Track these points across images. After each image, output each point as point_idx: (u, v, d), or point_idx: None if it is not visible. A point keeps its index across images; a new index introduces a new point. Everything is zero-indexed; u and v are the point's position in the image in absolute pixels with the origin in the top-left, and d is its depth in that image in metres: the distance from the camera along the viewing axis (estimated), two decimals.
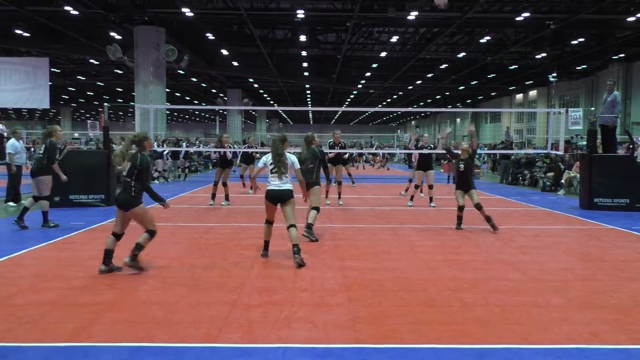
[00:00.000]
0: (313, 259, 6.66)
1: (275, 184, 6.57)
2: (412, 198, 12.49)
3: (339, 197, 12.60)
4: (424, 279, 5.79)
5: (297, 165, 6.88)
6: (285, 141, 6.86)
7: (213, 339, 3.98)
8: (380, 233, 8.67)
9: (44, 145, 8.86)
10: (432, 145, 13.07)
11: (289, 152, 7.01)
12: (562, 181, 15.89)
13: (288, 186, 6.58)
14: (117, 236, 6.03)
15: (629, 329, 4.29)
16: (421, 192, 13.49)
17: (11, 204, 11.56)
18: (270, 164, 6.67)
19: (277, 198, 6.56)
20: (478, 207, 8.85)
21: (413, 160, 14.18)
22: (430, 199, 12.25)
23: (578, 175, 14.08)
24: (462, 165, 9.04)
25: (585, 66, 34.49)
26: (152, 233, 6.03)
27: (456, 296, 5.13)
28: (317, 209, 8.09)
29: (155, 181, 18.59)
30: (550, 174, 17.05)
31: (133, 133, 7.03)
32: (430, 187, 12.37)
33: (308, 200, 7.76)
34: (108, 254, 5.92)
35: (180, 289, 5.29)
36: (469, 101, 57.87)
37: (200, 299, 4.98)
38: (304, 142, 8.39)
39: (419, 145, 12.65)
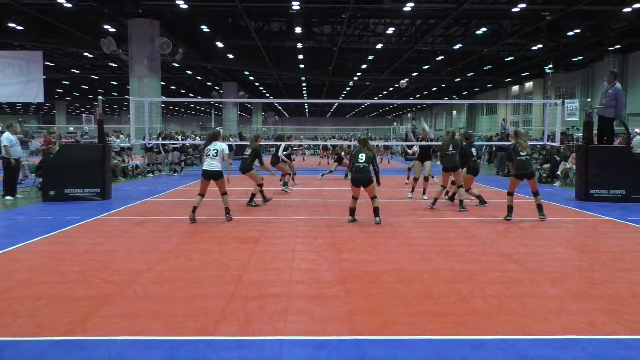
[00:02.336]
0: (309, 251, 6.65)
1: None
2: (412, 190, 12.49)
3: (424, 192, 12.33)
4: (420, 270, 5.79)
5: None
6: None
7: (210, 331, 3.96)
8: (376, 225, 8.66)
9: None
10: (431, 137, 13.33)
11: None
12: (558, 172, 15.91)
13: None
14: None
15: (625, 319, 4.30)
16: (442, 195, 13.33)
17: (8, 197, 11.54)
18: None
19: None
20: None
21: (410, 152, 14.29)
22: (424, 191, 12.23)
23: (574, 167, 14.09)
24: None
25: (581, 57, 34.47)
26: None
27: (453, 288, 5.14)
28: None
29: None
30: (547, 166, 17.08)
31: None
32: (426, 179, 12.41)
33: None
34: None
35: (176, 282, 5.28)
36: (465, 93, 57.84)
37: (196, 292, 4.96)
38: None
39: (420, 138, 12.88)
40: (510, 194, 9.29)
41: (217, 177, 8.94)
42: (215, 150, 8.93)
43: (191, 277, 5.47)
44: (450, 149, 10.50)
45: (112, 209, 10.34)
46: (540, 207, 9.24)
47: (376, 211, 8.79)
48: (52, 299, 4.72)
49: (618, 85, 12.30)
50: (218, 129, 9.09)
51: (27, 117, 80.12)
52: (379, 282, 5.31)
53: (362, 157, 8.69)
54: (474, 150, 11.23)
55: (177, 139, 21.65)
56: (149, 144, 18.51)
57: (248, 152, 10.95)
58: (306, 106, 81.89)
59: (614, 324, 4.20)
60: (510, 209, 9.21)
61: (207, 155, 8.99)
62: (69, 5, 21.34)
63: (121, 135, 23.31)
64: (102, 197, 11.57)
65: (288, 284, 5.22)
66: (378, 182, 10.01)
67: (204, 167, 8.96)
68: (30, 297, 4.77)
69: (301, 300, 4.72)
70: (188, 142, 22.79)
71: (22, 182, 14.37)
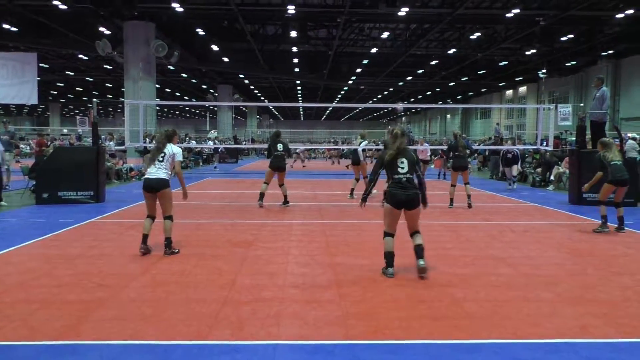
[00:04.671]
0: (303, 255, 6.65)
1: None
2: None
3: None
4: (414, 274, 5.78)
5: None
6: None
7: (203, 336, 3.95)
8: (370, 229, 8.66)
9: None
10: (427, 143, 13.53)
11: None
12: (552, 177, 15.98)
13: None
14: None
15: (618, 322, 4.32)
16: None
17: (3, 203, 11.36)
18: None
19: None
20: None
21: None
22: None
23: (567, 171, 14.16)
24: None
25: (574, 62, 34.69)
26: None
27: (447, 292, 5.14)
28: None
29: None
30: (540, 170, 17.15)
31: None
32: None
33: None
34: None
35: (169, 286, 5.26)
36: (459, 97, 58.05)
37: (190, 296, 4.95)
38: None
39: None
40: (604, 203, 8.58)
41: (160, 187, 6.64)
42: (163, 155, 6.76)
43: (184, 281, 5.45)
44: (460, 149, 11.25)
45: (106, 212, 10.30)
46: (621, 220, 8.60)
47: (421, 251, 5.73)
48: (45, 303, 4.69)
49: (604, 88, 12.77)
50: (172, 128, 7.14)
51: (20, 118, 79.87)
52: (373, 287, 5.31)
53: (403, 164, 5.74)
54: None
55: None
56: (148, 147, 18.40)
57: (280, 147, 11.15)
58: (301, 109, 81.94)
59: (607, 327, 4.22)
60: (605, 219, 8.50)
61: (152, 161, 6.80)
62: (64, 6, 21.31)
63: (110, 142, 23.18)
64: (96, 200, 11.52)
65: (282, 288, 5.22)
66: (424, 203, 5.87)
67: (146, 176, 6.79)
68: (23, 301, 4.74)
69: (295, 305, 4.71)
70: (182, 145, 22.76)
71: (7, 187, 14.05)
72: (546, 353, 3.72)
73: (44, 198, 11.24)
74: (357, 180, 12.77)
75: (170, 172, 6.74)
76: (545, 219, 10.00)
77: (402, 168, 5.70)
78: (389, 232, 5.81)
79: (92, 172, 11.61)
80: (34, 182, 12.16)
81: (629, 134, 18.94)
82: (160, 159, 6.70)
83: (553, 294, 5.10)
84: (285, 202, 11.30)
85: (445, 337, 3.99)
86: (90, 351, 3.68)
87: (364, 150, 13.22)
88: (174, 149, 6.80)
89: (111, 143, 21.38)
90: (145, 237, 6.65)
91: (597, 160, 8.82)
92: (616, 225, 8.59)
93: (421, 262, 5.64)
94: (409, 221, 5.84)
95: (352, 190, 12.70)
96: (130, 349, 3.72)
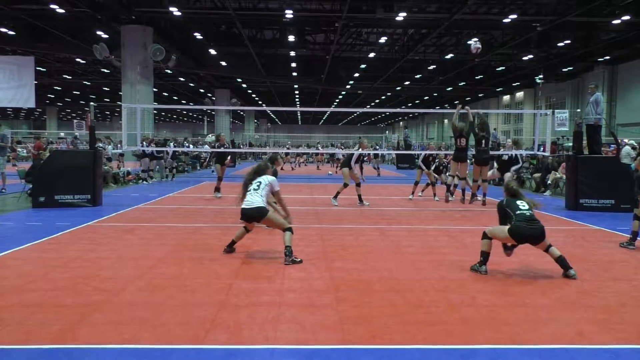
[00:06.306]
0: (300, 261, 6.65)
1: None
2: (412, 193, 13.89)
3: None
4: (411, 279, 5.80)
5: None
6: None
7: (200, 340, 3.95)
8: (368, 233, 8.67)
9: None
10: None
11: None
12: (549, 182, 16.02)
13: None
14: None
15: (614, 328, 4.33)
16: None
17: None
18: None
19: None
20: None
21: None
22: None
23: (564, 176, 14.19)
24: None
25: (571, 68, 34.84)
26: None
27: (443, 296, 5.15)
28: None
29: (144, 182, 18.46)
30: (537, 175, 17.19)
31: None
32: (416, 183, 13.83)
33: None
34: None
35: (167, 290, 5.25)
36: (456, 102, 58.18)
37: (187, 300, 4.94)
38: None
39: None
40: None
41: (261, 216, 6.66)
42: (259, 183, 6.86)
43: (182, 285, 5.44)
44: (483, 144, 11.69)
45: (102, 215, 10.28)
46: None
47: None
48: (41, 307, 4.68)
49: (597, 93, 13.10)
50: (268, 161, 7.07)
51: (17, 122, 79.67)
52: (370, 291, 5.31)
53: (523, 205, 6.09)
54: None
55: (170, 145, 21.56)
56: (147, 151, 18.39)
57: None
58: (299, 114, 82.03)
59: (603, 333, 4.22)
60: (635, 235, 7.68)
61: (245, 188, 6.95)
62: (62, 10, 21.31)
63: (108, 145, 23.17)
64: (92, 203, 11.50)
65: (279, 293, 5.21)
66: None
67: (243, 206, 6.81)
68: (19, 305, 4.72)
69: (292, 309, 4.71)
70: (180, 149, 22.74)
71: (4, 190, 14.07)
72: (543, 359, 3.72)
73: (41, 201, 11.20)
74: (346, 185, 12.37)
75: (265, 199, 6.77)
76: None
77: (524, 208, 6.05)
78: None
79: (89, 176, 11.58)
80: (31, 186, 12.13)
81: (626, 140, 19.02)
82: (256, 187, 6.81)
83: (550, 300, 5.11)
84: None
85: (441, 342, 3.99)
86: (86, 355, 3.67)
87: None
88: (268, 179, 6.91)
89: (109, 147, 21.38)
90: (232, 242, 7.03)
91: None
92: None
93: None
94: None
95: (338, 193, 12.49)
96: (127, 353, 3.71)
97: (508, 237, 5.95)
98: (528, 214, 5.96)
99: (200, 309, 4.65)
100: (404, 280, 5.74)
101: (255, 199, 6.68)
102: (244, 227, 6.96)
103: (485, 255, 6.11)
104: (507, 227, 5.96)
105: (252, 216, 6.66)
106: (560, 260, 5.94)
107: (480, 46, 14.25)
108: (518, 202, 6.13)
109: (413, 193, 13.88)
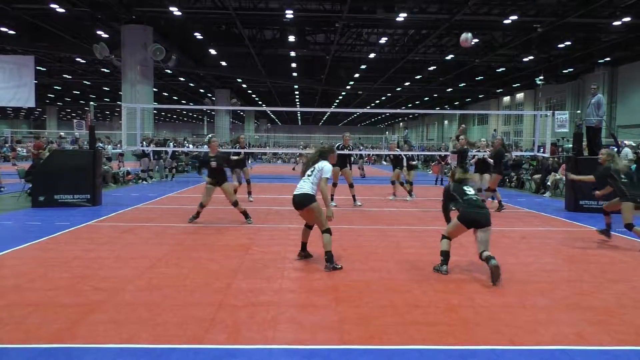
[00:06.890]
0: (300, 260, 6.65)
1: None
2: (410, 193, 14.02)
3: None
4: (410, 279, 5.80)
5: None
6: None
7: (199, 340, 3.95)
8: (367, 234, 8.67)
9: None
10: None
11: None
12: (548, 183, 16.02)
13: None
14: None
15: (613, 330, 4.33)
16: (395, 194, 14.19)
17: None
18: None
19: None
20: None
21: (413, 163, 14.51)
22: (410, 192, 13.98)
23: (564, 178, 14.19)
24: None
25: (571, 69, 34.84)
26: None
27: (442, 297, 5.15)
28: None
29: (143, 182, 18.45)
30: (537, 176, 17.19)
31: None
32: (410, 183, 14.15)
33: None
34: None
35: (165, 289, 5.25)
36: (456, 103, 58.21)
37: (186, 299, 4.94)
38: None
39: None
40: (631, 226, 7.77)
41: (305, 202, 6.36)
42: (312, 170, 6.53)
43: (181, 284, 5.44)
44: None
45: (102, 215, 10.28)
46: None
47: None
48: (40, 306, 4.68)
49: (599, 94, 13.09)
50: (329, 146, 6.82)
51: (17, 121, 79.66)
52: (369, 291, 5.31)
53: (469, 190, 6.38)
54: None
55: (169, 145, 21.55)
56: (146, 150, 18.38)
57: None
58: (299, 114, 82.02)
59: (602, 334, 4.22)
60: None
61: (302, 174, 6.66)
62: (62, 10, 21.30)
63: (108, 145, 23.16)
64: (92, 203, 11.50)
65: (278, 293, 5.21)
66: None
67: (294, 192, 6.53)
68: (18, 304, 4.72)
69: (291, 309, 4.71)
70: (180, 149, 22.74)
71: (3, 189, 14.12)
72: None
73: (41, 201, 11.21)
74: (335, 185, 12.47)
75: (315, 187, 6.42)
76: (541, 225, 10.02)
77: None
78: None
79: (89, 175, 11.58)
80: (30, 185, 12.13)
81: (626, 141, 19.04)
82: (309, 172, 6.50)
83: (549, 301, 5.11)
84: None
85: (440, 342, 3.99)
86: (85, 355, 3.67)
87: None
88: (322, 164, 6.49)
89: (109, 147, 21.38)
90: (303, 245, 6.79)
91: (611, 172, 8.05)
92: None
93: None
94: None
95: (332, 196, 12.37)
96: (126, 353, 3.71)
97: (459, 225, 6.12)
98: (474, 199, 6.23)
99: (199, 309, 4.65)
100: (403, 281, 5.74)
101: (305, 185, 6.41)
102: (305, 226, 6.74)
103: (445, 255, 6.18)
104: (455, 221, 6.17)
105: (298, 202, 6.35)
106: (482, 254, 5.87)
107: (471, 44, 13.96)
108: (465, 188, 6.37)
109: (394, 194, 14.15)
